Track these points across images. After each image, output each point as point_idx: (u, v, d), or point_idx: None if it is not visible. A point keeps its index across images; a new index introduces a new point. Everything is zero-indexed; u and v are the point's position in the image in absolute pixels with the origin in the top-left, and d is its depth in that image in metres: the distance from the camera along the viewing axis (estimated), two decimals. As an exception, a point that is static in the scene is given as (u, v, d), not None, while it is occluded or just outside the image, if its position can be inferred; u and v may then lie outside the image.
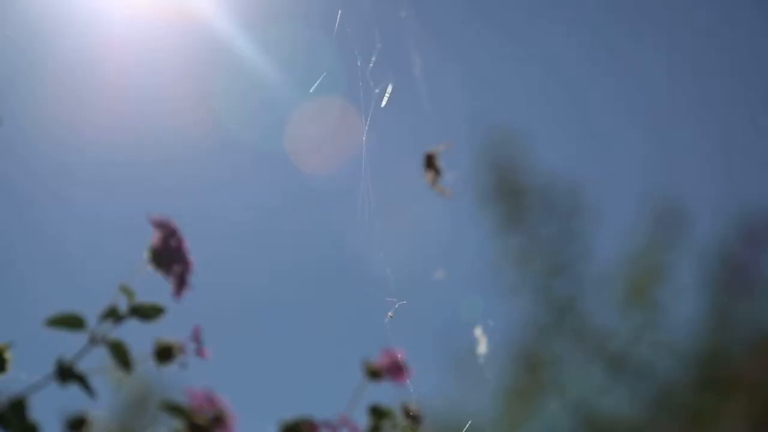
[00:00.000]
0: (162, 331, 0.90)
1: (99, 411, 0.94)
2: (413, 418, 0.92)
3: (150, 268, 0.89)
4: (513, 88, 3.89)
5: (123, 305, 0.88)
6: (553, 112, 3.96)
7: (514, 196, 3.33)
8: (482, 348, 0.98)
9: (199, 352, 0.89)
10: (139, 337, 0.90)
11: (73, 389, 0.87)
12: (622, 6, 3.93)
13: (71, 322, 0.88)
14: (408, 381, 0.96)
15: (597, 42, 4.03)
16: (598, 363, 3.12)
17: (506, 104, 3.84)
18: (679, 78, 4.01)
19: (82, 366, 0.87)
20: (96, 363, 0.90)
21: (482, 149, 3.32)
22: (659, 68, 3.99)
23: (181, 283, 0.88)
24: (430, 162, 1.11)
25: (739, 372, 3.04)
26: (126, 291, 0.88)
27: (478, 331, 0.99)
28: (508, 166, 3.36)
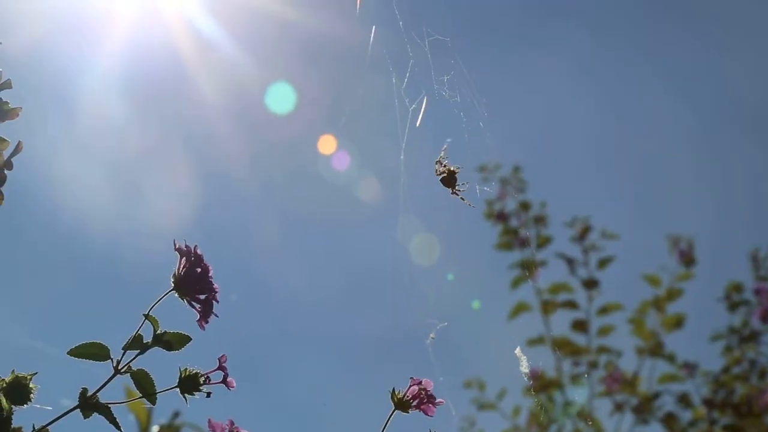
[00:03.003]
0: (187, 360, 0.88)
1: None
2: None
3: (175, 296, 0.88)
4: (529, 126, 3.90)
5: (148, 334, 0.87)
6: (562, 151, 3.97)
7: (526, 227, 3.32)
8: (523, 367, 0.96)
9: (225, 382, 0.88)
10: (163, 366, 0.88)
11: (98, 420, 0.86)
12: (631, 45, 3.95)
13: (96, 352, 0.87)
14: (435, 411, 0.94)
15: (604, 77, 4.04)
16: (621, 406, 3.08)
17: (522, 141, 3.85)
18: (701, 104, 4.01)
19: (107, 396, 0.86)
20: (120, 393, 0.89)
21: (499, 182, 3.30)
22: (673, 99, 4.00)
23: (206, 311, 0.87)
24: (446, 175, 1.10)
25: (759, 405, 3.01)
26: (151, 320, 0.86)
27: (518, 351, 0.97)
28: (521, 200, 3.35)
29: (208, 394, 0.88)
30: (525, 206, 3.32)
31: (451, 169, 1.06)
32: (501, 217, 3.29)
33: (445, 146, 1.05)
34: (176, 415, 2.10)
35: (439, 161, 1.05)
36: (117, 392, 0.89)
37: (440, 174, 1.06)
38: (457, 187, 1.06)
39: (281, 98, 2.94)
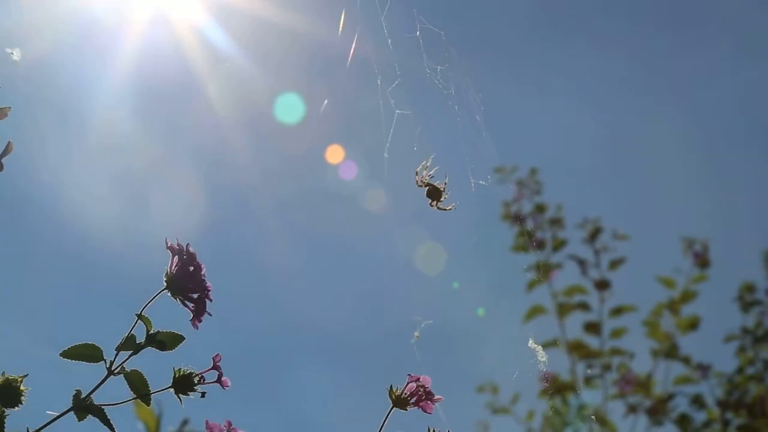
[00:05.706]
0: (182, 360, 0.88)
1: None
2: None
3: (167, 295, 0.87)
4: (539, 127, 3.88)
5: (141, 334, 0.86)
6: (580, 154, 3.95)
7: (541, 229, 3.29)
8: (541, 357, 0.95)
9: (220, 382, 0.87)
10: (156, 366, 0.87)
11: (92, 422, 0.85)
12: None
13: (89, 353, 0.86)
14: (434, 408, 0.93)
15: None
16: (634, 407, 3.05)
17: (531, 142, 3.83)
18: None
19: (100, 398, 0.85)
20: (114, 394, 0.88)
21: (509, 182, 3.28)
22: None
23: (199, 310, 0.86)
24: (431, 190, 1.10)
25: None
26: (144, 319, 0.86)
27: (531, 344, 0.96)
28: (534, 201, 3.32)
29: (203, 394, 0.87)
30: (541, 208, 3.30)
31: (435, 184, 1.06)
32: (517, 219, 3.27)
33: (427, 161, 1.04)
34: (185, 422, 2.08)
35: (417, 173, 1.05)
36: (112, 393, 0.88)
37: (421, 186, 1.06)
38: (439, 202, 1.06)
39: (290, 108, 2.94)
